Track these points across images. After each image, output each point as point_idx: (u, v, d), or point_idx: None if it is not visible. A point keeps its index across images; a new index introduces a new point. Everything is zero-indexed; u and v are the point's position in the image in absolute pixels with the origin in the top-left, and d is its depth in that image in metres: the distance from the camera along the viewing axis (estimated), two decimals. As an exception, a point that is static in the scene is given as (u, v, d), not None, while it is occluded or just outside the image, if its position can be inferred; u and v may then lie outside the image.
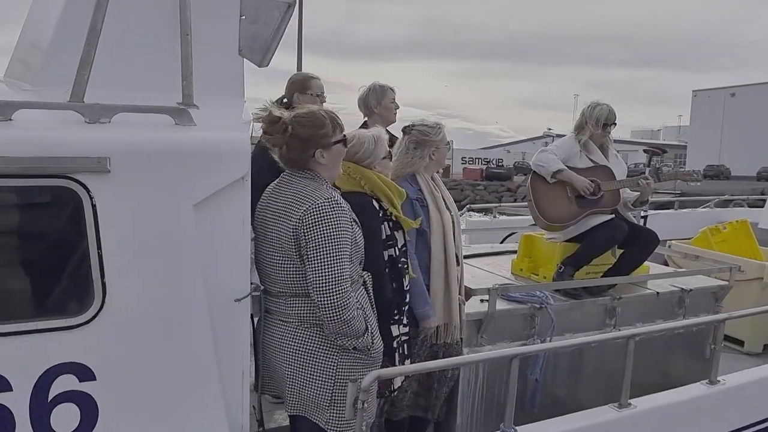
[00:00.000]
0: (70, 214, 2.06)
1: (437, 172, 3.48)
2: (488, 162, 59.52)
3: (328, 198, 2.30)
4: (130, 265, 2.11)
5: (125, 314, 2.11)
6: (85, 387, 2.08)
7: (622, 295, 4.16)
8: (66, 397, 2.06)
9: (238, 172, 2.24)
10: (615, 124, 4.27)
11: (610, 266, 4.27)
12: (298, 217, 2.27)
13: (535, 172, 4.24)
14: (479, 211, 7.68)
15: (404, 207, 3.17)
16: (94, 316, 2.07)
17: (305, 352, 2.35)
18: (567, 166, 4.22)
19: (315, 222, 2.25)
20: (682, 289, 4.41)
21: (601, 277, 4.27)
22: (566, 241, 4.29)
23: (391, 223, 2.89)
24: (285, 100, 3.75)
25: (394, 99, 4.16)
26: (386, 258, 2.85)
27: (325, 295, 2.22)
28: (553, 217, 4.20)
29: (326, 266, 2.23)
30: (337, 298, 2.23)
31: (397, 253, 2.89)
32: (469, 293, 3.59)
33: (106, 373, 2.11)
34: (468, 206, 7.52)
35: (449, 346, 3.39)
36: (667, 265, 5.76)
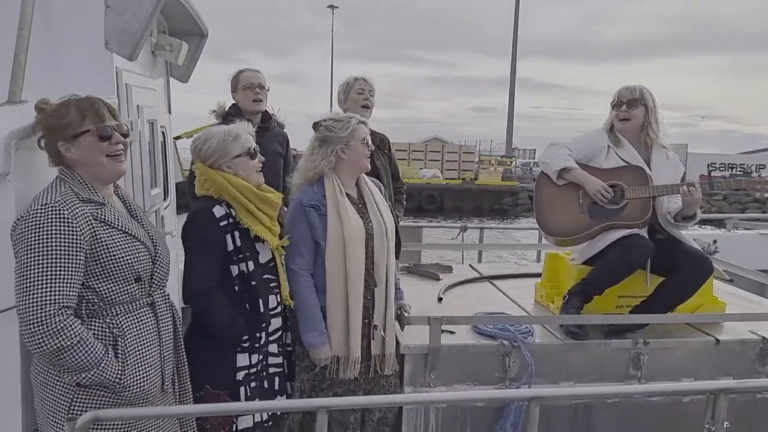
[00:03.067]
0: None
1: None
2: (744, 169, 51.75)
3: (44, 204, 1.91)
4: None
5: None
6: None
7: (651, 339, 3.11)
8: None
9: None
10: (626, 103, 3.23)
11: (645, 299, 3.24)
12: (14, 225, 1.95)
13: (543, 171, 3.39)
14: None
15: (296, 215, 2.72)
16: None
17: (39, 384, 2.02)
18: (587, 166, 3.30)
19: (21, 233, 1.89)
20: (764, 338, 3.18)
21: (630, 312, 3.27)
22: (585, 262, 3.35)
23: (252, 233, 2.47)
24: None
25: (362, 90, 3.65)
26: (236, 273, 2.44)
27: (22, 321, 1.85)
28: (555, 228, 3.31)
29: (25, 287, 1.85)
30: (36, 324, 1.83)
31: (252, 268, 2.45)
32: (404, 321, 2.95)
33: None
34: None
35: (373, 382, 2.83)
36: None
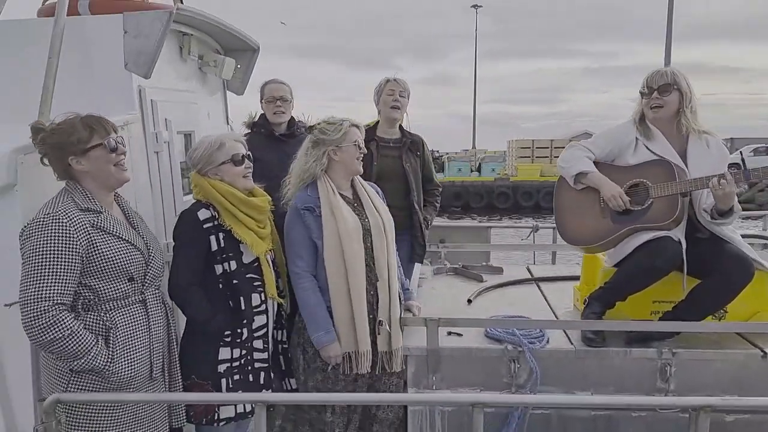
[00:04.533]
0: None
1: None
2: None
3: (47, 214, 2.18)
4: None
5: None
6: None
7: (681, 349, 2.82)
8: None
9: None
10: (657, 89, 2.92)
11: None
12: (21, 231, 2.23)
13: (561, 175, 3.19)
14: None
15: (292, 219, 2.84)
16: None
17: (43, 367, 2.31)
18: (612, 165, 3.06)
19: (27, 238, 2.17)
20: (824, 353, 2.75)
21: (660, 319, 2.98)
22: (615, 266, 3.10)
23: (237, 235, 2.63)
24: None
25: (393, 91, 3.68)
26: (219, 272, 2.61)
27: (23, 315, 2.12)
28: (576, 235, 3.10)
29: (25, 285, 2.12)
30: (32, 318, 2.10)
31: (234, 267, 2.61)
32: (402, 322, 2.94)
33: None
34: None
35: (375, 378, 2.87)
36: None
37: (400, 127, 3.84)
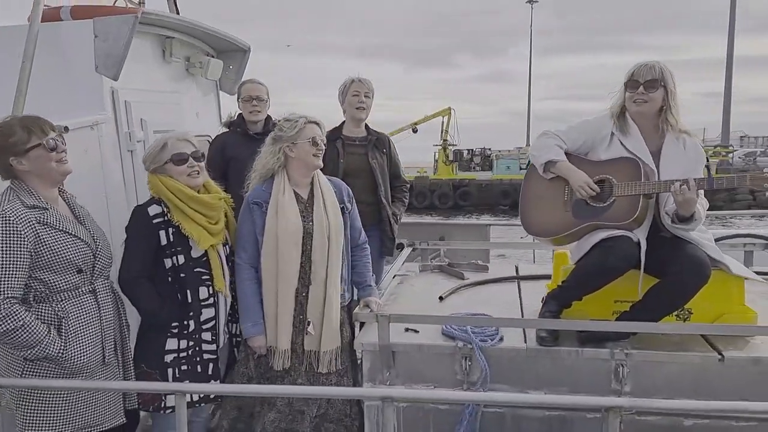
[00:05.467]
0: None
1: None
2: None
3: None
4: None
5: None
6: None
7: (635, 350, 2.74)
8: None
9: None
10: (644, 84, 2.82)
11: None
12: None
13: (532, 164, 3.15)
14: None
15: (243, 212, 2.92)
16: None
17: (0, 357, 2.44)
18: (583, 158, 3.00)
19: None
20: (783, 357, 2.62)
21: (617, 319, 2.90)
22: (577, 263, 3.04)
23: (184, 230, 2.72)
24: None
25: (358, 92, 3.71)
26: (169, 266, 2.71)
27: None
28: (536, 225, 3.06)
29: None
30: None
31: (182, 261, 2.71)
32: (354, 317, 2.98)
33: None
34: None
35: (314, 379, 2.92)
36: None
37: (366, 125, 3.89)
